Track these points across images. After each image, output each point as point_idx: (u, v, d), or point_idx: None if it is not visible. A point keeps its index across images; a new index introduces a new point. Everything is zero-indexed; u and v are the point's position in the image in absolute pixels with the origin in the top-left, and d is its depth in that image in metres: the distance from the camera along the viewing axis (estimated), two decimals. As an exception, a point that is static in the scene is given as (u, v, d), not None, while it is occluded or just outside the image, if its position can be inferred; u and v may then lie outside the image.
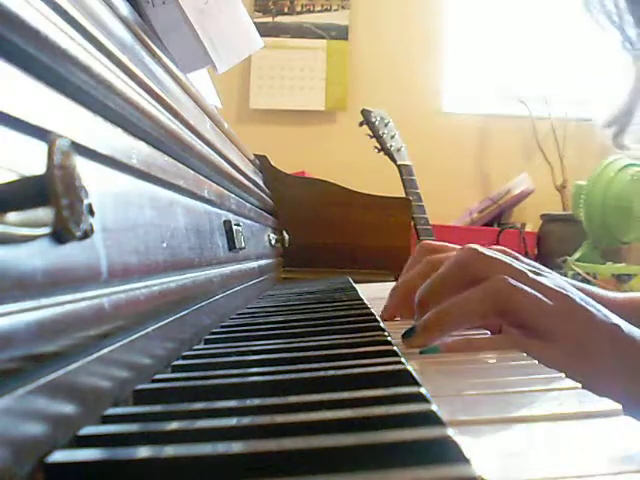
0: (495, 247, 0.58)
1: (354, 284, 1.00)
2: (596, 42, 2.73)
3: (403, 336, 0.49)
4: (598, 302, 0.51)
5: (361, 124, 1.93)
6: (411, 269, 0.69)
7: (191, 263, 0.54)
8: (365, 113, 1.93)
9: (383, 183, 1.83)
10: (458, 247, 0.70)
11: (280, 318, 0.61)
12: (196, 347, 0.50)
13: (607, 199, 2.40)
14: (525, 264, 0.54)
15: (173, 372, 0.42)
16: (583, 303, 0.49)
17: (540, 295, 0.48)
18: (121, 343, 0.35)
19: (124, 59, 0.43)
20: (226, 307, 0.68)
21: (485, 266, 0.51)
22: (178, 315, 0.48)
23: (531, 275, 0.50)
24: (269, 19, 2.86)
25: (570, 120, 2.76)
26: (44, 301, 0.26)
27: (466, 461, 0.22)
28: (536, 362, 0.43)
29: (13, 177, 0.25)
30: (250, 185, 1.01)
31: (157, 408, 0.31)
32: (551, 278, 0.51)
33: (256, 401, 0.31)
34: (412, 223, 1.76)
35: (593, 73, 2.84)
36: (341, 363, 0.38)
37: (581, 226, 2.46)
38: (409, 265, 0.71)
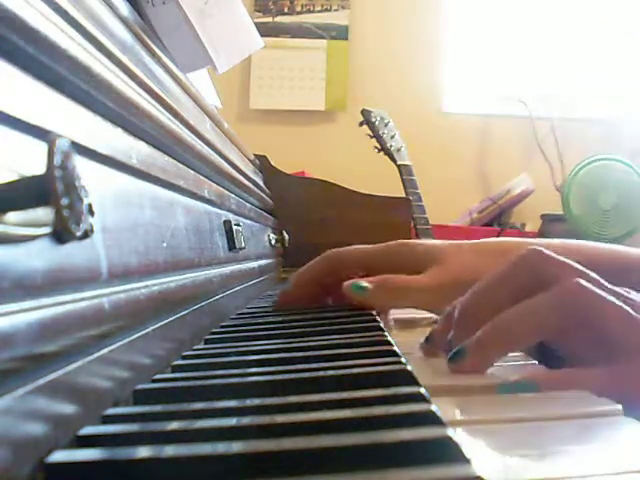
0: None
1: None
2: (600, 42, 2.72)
3: (450, 360, 0.40)
4: None
5: (361, 124, 1.93)
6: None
7: (191, 263, 0.54)
8: (365, 113, 1.92)
9: (383, 183, 1.83)
10: (368, 247, 0.68)
11: (280, 318, 0.61)
12: (196, 347, 0.50)
13: (572, 195, 2.42)
14: None
15: (173, 372, 0.42)
16: None
17: (624, 305, 0.39)
18: (121, 343, 0.35)
19: (124, 59, 0.43)
20: (226, 307, 0.68)
21: (553, 270, 0.41)
22: (178, 315, 0.48)
23: (608, 285, 0.41)
24: (269, 19, 2.86)
25: (570, 120, 2.76)
26: (44, 301, 0.26)
27: (466, 461, 0.22)
28: (535, 362, 0.42)
29: (13, 177, 0.25)
30: (250, 185, 1.01)
31: (157, 408, 0.31)
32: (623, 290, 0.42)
33: (256, 401, 0.31)
34: (412, 223, 1.76)
35: (596, 73, 2.85)
36: (341, 363, 0.38)
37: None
38: (307, 271, 0.67)
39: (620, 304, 0.39)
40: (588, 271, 0.41)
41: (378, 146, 1.92)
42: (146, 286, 0.40)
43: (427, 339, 0.46)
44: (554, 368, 0.40)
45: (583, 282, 0.39)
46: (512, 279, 0.42)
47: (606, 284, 0.41)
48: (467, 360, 0.39)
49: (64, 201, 0.26)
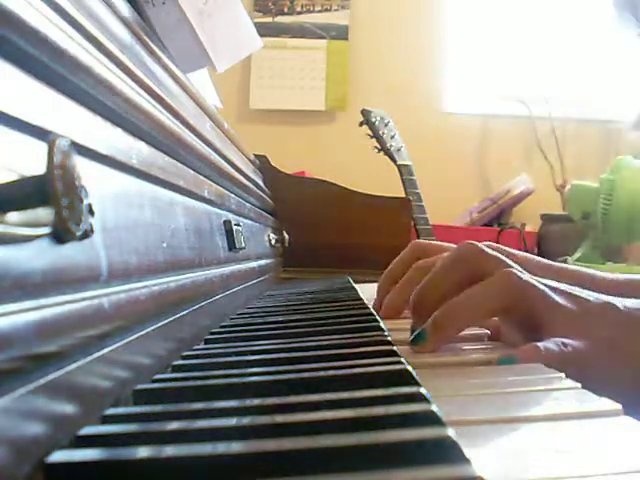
0: (486, 243, 0.58)
1: (354, 284, 1.00)
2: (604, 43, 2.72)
3: (412, 342, 0.48)
4: (598, 285, 0.52)
5: (361, 124, 1.93)
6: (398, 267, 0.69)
7: (191, 263, 0.54)
8: (365, 113, 1.92)
9: (383, 183, 1.83)
10: (450, 246, 0.70)
11: (280, 318, 0.61)
12: (196, 347, 0.50)
13: (635, 199, 2.37)
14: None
15: (173, 372, 0.42)
16: (577, 292, 0.48)
17: (547, 290, 0.48)
18: (121, 343, 0.35)
19: (124, 59, 0.43)
20: (226, 307, 0.68)
21: (487, 262, 0.50)
22: (178, 315, 0.48)
23: (527, 275, 0.49)
24: (269, 19, 2.86)
25: (570, 120, 2.76)
26: (44, 301, 0.26)
27: (466, 461, 0.22)
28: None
29: (13, 177, 0.25)
30: (250, 185, 1.01)
31: (157, 408, 0.31)
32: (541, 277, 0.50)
33: (256, 401, 0.31)
34: (412, 223, 1.76)
35: (596, 73, 2.85)
36: (341, 363, 0.38)
37: (580, 226, 2.46)
38: (396, 265, 0.70)
39: (544, 288, 0.47)
40: (513, 264, 0.50)
41: (378, 146, 1.92)
42: (146, 286, 0.40)
43: (412, 339, 0.49)
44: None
45: (516, 271, 0.48)
46: (453, 272, 0.51)
47: (527, 275, 0.49)
48: (427, 341, 0.47)
49: (64, 201, 0.26)
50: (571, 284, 0.50)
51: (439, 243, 0.72)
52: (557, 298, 0.47)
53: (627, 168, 2.36)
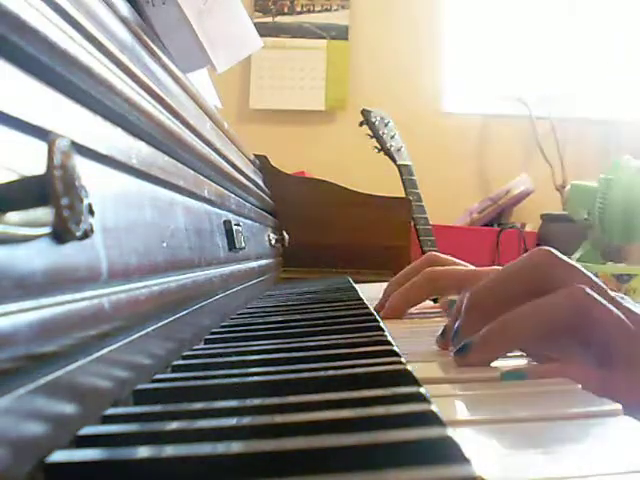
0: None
1: (354, 284, 1.00)
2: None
3: (456, 353, 0.42)
4: None
5: (361, 124, 1.93)
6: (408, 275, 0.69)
7: (191, 263, 0.54)
8: (365, 113, 1.93)
9: (383, 183, 1.83)
10: (463, 263, 0.70)
11: (280, 318, 0.61)
12: (196, 347, 0.50)
13: (631, 199, 2.36)
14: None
15: (173, 372, 0.42)
16: None
17: (623, 316, 0.40)
18: (121, 343, 0.35)
19: (124, 59, 0.43)
20: (226, 307, 0.68)
21: (563, 273, 0.43)
22: (178, 315, 0.48)
23: (611, 293, 0.42)
24: (269, 19, 2.86)
25: (570, 120, 2.76)
26: (44, 301, 0.26)
27: (466, 461, 0.22)
28: (535, 363, 0.42)
29: (13, 177, 0.25)
30: (250, 185, 1.01)
31: (157, 408, 0.31)
32: (626, 300, 0.43)
33: (256, 401, 0.31)
34: (412, 223, 1.76)
35: (596, 73, 2.85)
36: (341, 363, 0.38)
37: (580, 226, 2.46)
38: (407, 271, 0.71)
39: (618, 314, 0.40)
40: (594, 277, 0.43)
41: (378, 146, 1.92)
42: (146, 286, 0.40)
43: (442, 333, 0.48)
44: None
45: (588, 289, 0.40)
46: (521, 278, 0.44)
47: (609, 292, 0.42)
48: (472, 355, 0.41)
49: (64, 201, 0.26)
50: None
51: (454, 259, 0.71)
52: (631, 325, 0.40)
53: (625, 168, 2.36)
